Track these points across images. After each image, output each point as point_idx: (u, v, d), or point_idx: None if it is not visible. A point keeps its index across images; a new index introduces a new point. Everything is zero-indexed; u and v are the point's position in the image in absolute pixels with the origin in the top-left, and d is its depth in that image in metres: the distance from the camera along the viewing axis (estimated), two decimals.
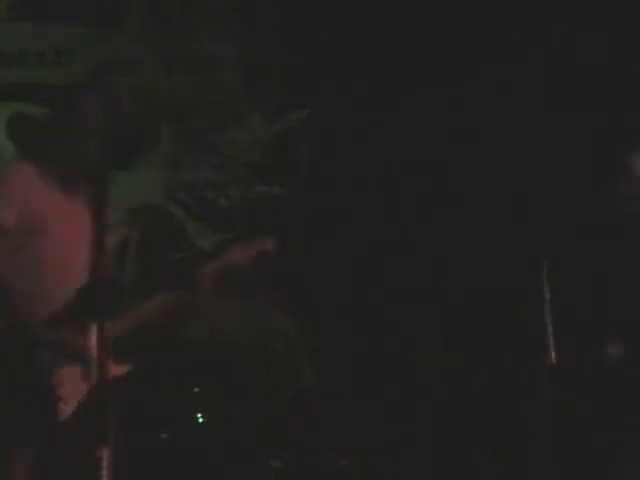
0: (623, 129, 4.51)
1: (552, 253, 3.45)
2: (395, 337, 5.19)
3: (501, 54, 5.78)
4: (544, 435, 3.38)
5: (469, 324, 4.03)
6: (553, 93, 5.56)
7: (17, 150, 5.51)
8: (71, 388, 3.74)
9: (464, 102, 5.67)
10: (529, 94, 5.52)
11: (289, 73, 5.95)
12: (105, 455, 3.07)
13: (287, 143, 6.06)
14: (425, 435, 4.78)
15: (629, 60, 5.82)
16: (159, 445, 4.97)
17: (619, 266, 3.61)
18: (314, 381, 4.80)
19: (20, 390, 3.71)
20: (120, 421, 3.30)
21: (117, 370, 3.81)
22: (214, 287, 3.90)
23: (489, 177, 5.43)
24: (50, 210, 3.92)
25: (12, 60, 5.88)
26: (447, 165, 5.66)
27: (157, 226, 5.84)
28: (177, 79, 5.97)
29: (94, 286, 3.74)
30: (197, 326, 5.33)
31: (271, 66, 5.98)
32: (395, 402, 4.81)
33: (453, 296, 4.64)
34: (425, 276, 4.82)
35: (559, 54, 5.75)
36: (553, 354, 3.39)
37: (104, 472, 3.06)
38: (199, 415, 4.80)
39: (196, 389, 4.89)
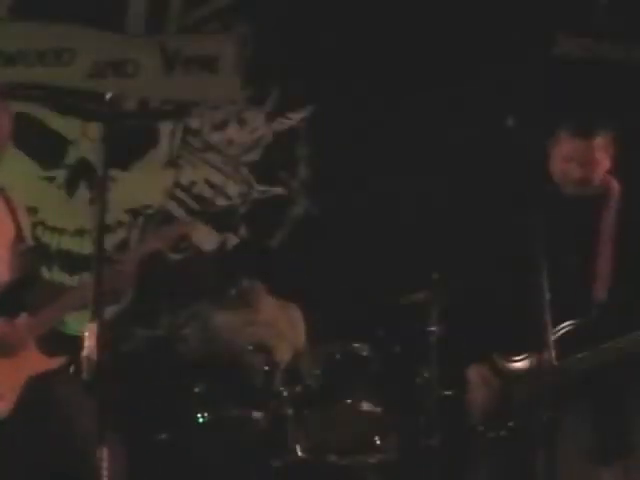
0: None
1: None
2: (395, 337, 5.19)
3: (501, 54, 5.79)
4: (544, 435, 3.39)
5: (469, 324, 4.03)
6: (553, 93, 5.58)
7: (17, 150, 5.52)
8: (5, 382, 3.74)
9: (464, 102, 5.68)
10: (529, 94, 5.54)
11: (289, 73, 5.95)
12: (105, 455, 3.06)
13: (287, 143, 6.06)
14: (425, 434, 4.79)
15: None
16: (159, 445, 4.97)
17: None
18: (314, 381, 4.80)
19: None
20: (120, 421, 3.29)
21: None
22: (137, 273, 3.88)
23: (489, 177, 5.44)
24: None
25: (12, 60, 5.89)
26: (445, 164, 5.67)
27: (157, 226, 5.84)
28: (177, 79, 5.98)
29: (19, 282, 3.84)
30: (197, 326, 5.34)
31: (271, 66, 5.98)
32: (395, 402, 4.81)
33: (453, 296, 4.64)
34: (425, 276, 4.82)
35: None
36: (553, 354, 3.39)
37: (104, 472, 3.06)
38: (199, 415, 4.80)
39: (196, 389, 4.89)
